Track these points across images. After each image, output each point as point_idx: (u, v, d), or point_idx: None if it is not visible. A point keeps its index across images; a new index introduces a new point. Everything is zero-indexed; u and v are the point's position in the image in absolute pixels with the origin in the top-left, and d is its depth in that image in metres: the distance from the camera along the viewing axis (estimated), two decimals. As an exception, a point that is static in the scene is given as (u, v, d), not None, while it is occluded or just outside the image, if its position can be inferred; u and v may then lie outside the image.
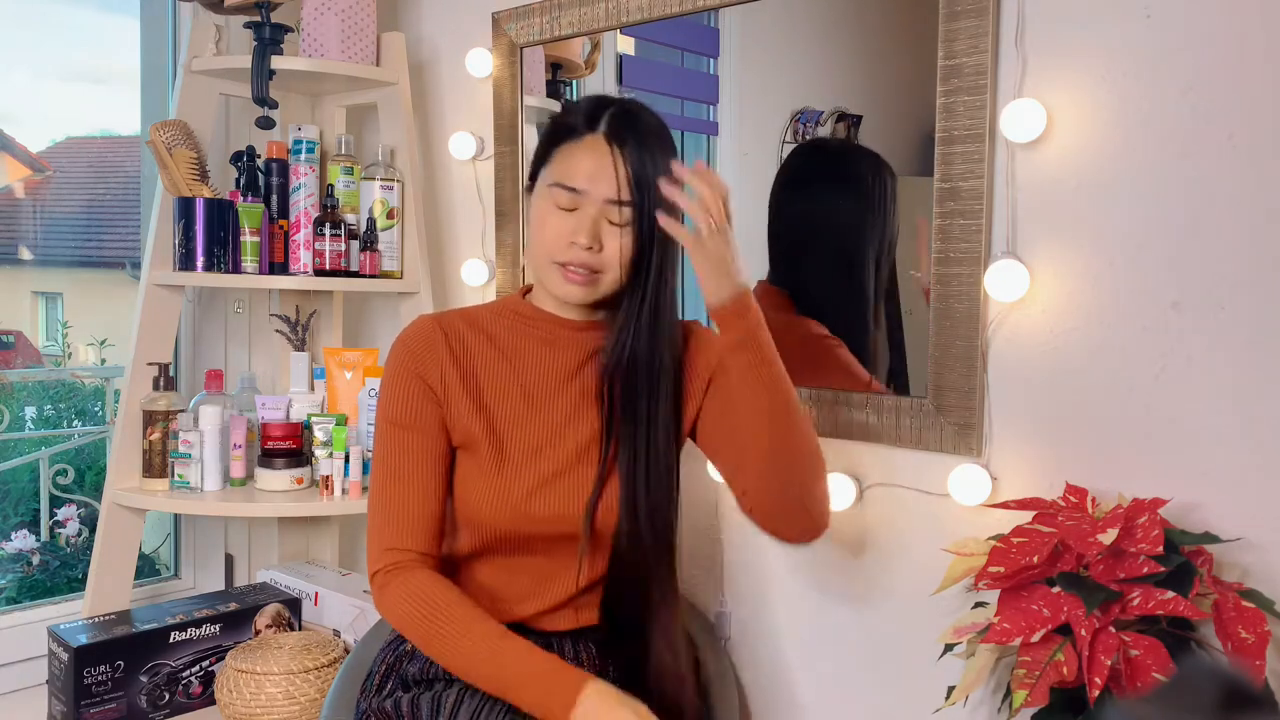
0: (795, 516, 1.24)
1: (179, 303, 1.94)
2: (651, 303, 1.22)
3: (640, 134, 1.20)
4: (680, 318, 1.29)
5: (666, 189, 1.13)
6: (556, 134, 1.24)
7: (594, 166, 1.19)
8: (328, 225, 1.88)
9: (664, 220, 1.13)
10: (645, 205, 1.18)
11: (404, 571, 1.20)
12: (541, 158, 1.25)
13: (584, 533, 1.23)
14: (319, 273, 1.89)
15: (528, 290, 1.33)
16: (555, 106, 1.88)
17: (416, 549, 1.22)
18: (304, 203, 1.93)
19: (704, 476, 1.53)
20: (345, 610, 1.87)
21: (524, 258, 1.86)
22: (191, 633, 1.77)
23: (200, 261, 1.82)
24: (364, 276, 1.93)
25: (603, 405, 1.26)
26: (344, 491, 1.86)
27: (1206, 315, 1.16)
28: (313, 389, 2.04)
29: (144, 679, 1.73)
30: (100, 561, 1.87)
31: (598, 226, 1.19)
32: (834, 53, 1.54)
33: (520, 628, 1.26)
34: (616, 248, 1.20)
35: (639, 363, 1.23)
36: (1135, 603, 1.05)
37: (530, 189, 1.27)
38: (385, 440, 1.25)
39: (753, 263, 1.59)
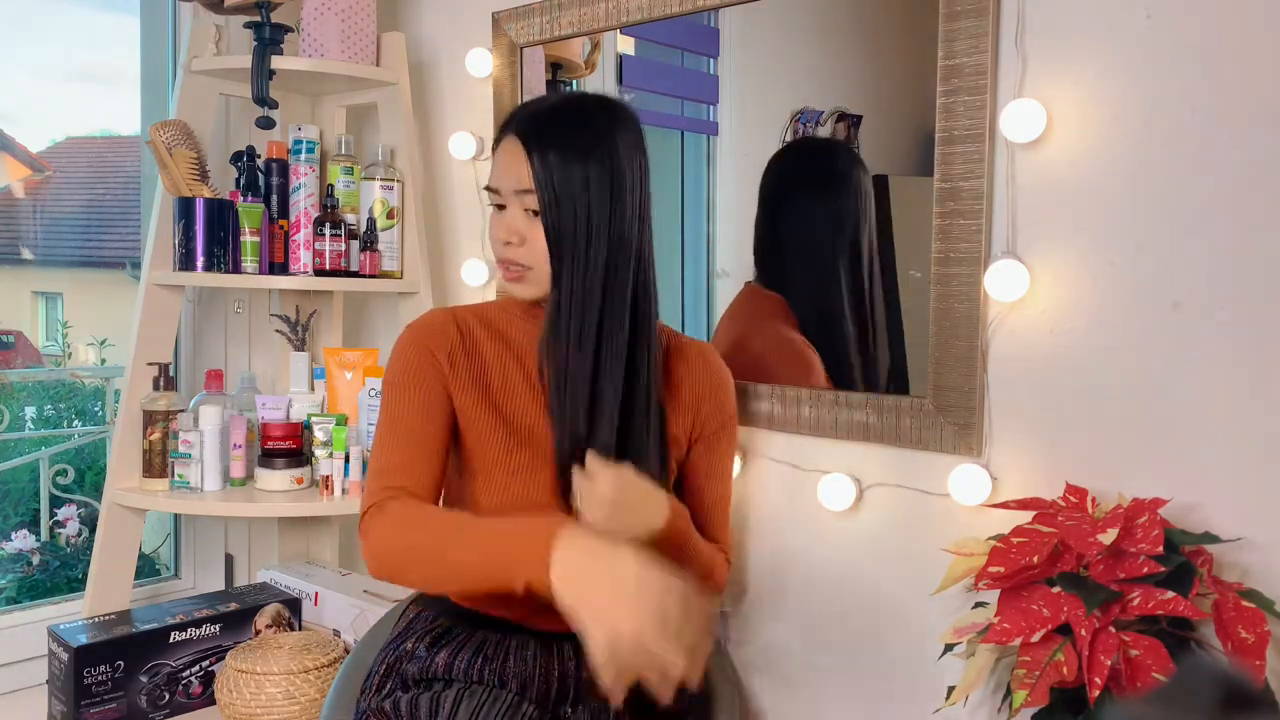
0: None
1: (179, 303, 1.94)
2: (559, 295, 1.21)
3: (549, 127, 1.21)
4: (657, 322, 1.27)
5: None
6: (495, 142, 1.28)
7: (506, 162, 1.23)
8: (328, 225, 1.88)
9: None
10: (547, 196, 1.19)
11: (390, 503, 1.17)
12: None
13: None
14: (319, 273, 1.89)
15: None
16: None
17: (409, 486, 1.20)
18: (304, 203, 1.93)
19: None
20: (345, 610, 1.87)
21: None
22: (191, 633, 1.77)
23: (200, 261, 1.81)
24: (364, 276, 1.93)
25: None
26: (344, 491, 1.86)
27: (1206, 315, 1.16)
28: (313, 389, 2.04)
29: (144, 679, 1.73)
30: (100, 561, 1.87)
31: (516, 221, 1.22)
32: (834, 53, 1.54)
33: (520, 629, 1.26)
34: (540, 240, 1.21)
35: (559, 346, 1.21)
36: (1135, 603, 1.05)
37: None
38: (387, 402, 1.26)
39: (747, 263, 1.60)
